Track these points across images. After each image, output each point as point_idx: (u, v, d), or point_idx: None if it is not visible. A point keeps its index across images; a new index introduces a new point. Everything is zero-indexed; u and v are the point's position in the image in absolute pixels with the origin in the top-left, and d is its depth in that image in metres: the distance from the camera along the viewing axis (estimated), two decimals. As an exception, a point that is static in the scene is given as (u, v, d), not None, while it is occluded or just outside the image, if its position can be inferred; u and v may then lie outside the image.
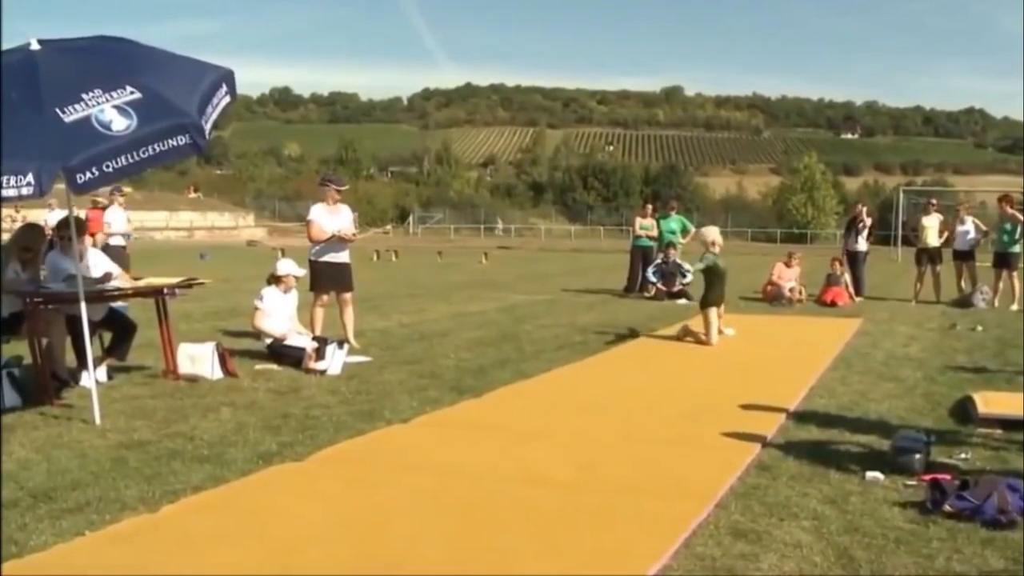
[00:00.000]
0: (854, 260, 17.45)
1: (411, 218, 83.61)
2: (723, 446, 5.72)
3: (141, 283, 8.00)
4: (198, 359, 7.82)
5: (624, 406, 6.98)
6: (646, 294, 16.90)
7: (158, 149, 5.66)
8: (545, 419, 6.49)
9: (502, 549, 3.92)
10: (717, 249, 10.53)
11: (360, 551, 3.90)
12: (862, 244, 17.55)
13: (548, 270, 27.63)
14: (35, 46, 6.05)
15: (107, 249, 14.08)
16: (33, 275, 7.24)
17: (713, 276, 10.44)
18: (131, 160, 5.56)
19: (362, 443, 5.73)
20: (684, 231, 17.94)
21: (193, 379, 7.65)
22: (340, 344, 8.49)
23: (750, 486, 4.88)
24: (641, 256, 17.36)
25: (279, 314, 8.90)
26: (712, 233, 10.72)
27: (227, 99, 6.23)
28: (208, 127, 5.97)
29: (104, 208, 15.13)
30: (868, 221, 17.61)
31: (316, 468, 5.16)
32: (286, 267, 9.16)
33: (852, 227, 17.77)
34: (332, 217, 9.69)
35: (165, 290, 8.05)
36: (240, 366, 8.17)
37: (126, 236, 15.04)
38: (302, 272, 9.26)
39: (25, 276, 7.16)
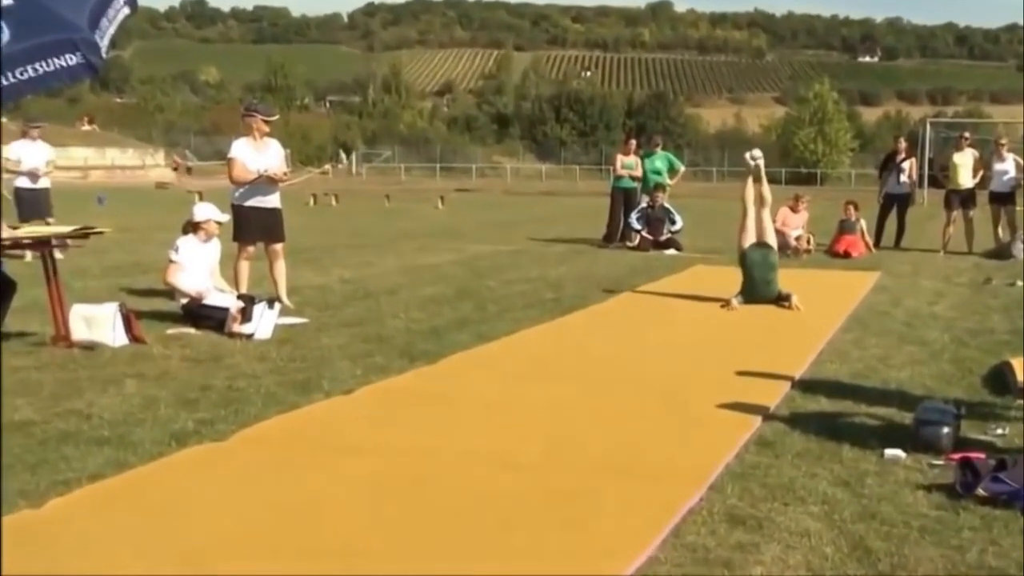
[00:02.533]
0: (897, 204, 17.56)
1: (354, 156, 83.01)
2: (718, 420, 5.76)
3: (20, 232, 7.83)
4: (96, 322, 7.71)
5: (603, 374, 7.01)
6: (629, 244, 16.96)
7: (40, 70, 5.40)
8: (510, 389, 6.51)
9: (459, 543, 3.90)
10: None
11: (292, 547, 3.84)
12: (904, 184, 17.66)
13: (514, 216, 27.58)
14: None
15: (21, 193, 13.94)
16: None
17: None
18: (3, 83, 5.29)
19: (296, 419, 5.71)
20: (672, 170, 17.96)
21: (90, 346, 7.56)
22: (270, 303, 8.46)
23: (749, 466, 4.91)
24: (623, 200, 17.40)
25: (197, 268, 8.82)
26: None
27: (126, 10, 6.03)
28: (105, 44, 5.79)
29: None
30: (905, 157, 17.64)
31: (240, 449, 5.12)
32: (205, 211, 9.06)
33: (891, 165, 17.85)
34: (259, 154, 9.61)
35: (54, 241, 7.90)
36: (148, 330, 8.10)
37: (36, 174, 14.38)
38: (225, 217, 9.18)
39: None
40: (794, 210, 16.76)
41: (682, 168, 18.56)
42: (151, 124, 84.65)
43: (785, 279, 10.56)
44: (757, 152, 10.92)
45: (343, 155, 75.70)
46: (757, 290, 10.26)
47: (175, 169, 62.07)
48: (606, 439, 5.34)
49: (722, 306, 10.06)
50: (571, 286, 11.78)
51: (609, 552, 3.80)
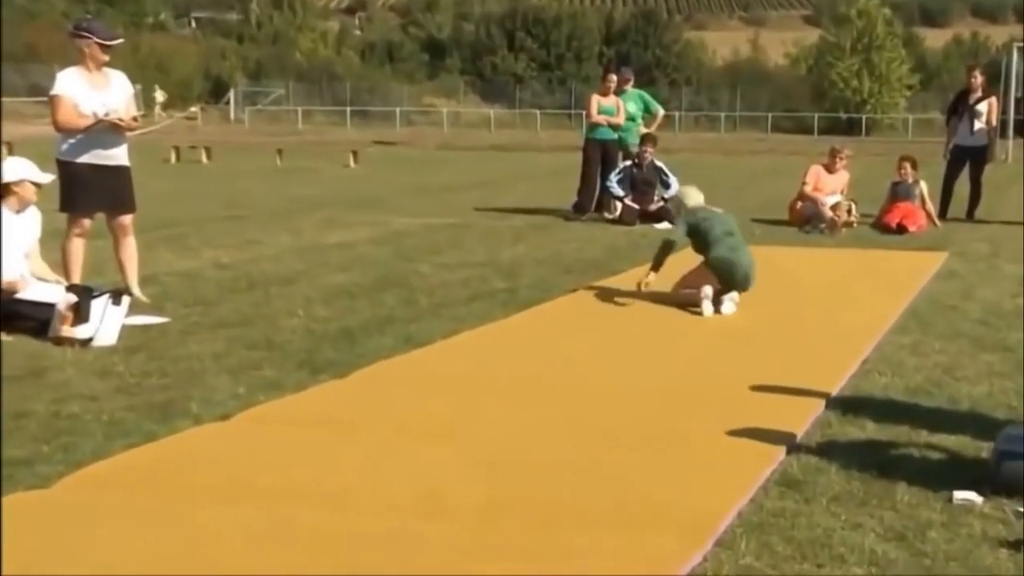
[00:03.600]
0: (971, 161, 17.67)
1: (231, 95, 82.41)
2: (728, 451, 5.79)
3: None
4: None
5: (572, 391, 7.02)
6: (608, 215, 17.03)
7: None
8: (448, 410, 6.53)
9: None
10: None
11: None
12: (980, 133, 17.73)
13: (454, 179, 27.50)
14: None
15: None
16: None
17: (703, 239, 10.28)
18: None
19: (151, 455, 5.67)
20: (647, 114, 18.04)
21: None
22: (115, 297, 8.39)
23: (770, 513, 4.95)
24: (600, 156, 17.44)
25: (7, 249, 8.71)
26: (689, 197, 10.58)
27: None
28: None
29: None
30: (982, 96, 17.73)
31: (71, 499, 5.08)
32: (17, 169, 8.91)
33: (962, 108, 17.91)
34: (96, 91, 9.53)
35: None
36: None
37: None
38: (48, 178, 9.08)
39: None
40: (830, 169, 16.82)
41: (661, 112, 18.65)
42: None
43: (817, 263, 10.61)
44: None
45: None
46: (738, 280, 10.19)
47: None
48: (576, 478, 5.34)
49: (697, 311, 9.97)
50: (530, 273, 11.78)
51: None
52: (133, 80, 10.32)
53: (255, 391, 6.90)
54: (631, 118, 17.63)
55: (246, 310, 9.55)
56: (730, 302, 9.80)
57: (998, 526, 4.84)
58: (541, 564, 4.35)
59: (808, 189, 16.58)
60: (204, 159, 32.54)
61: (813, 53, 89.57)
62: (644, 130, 17.69)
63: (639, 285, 10.00)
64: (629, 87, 18.07)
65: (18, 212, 8.87)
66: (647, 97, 18.41)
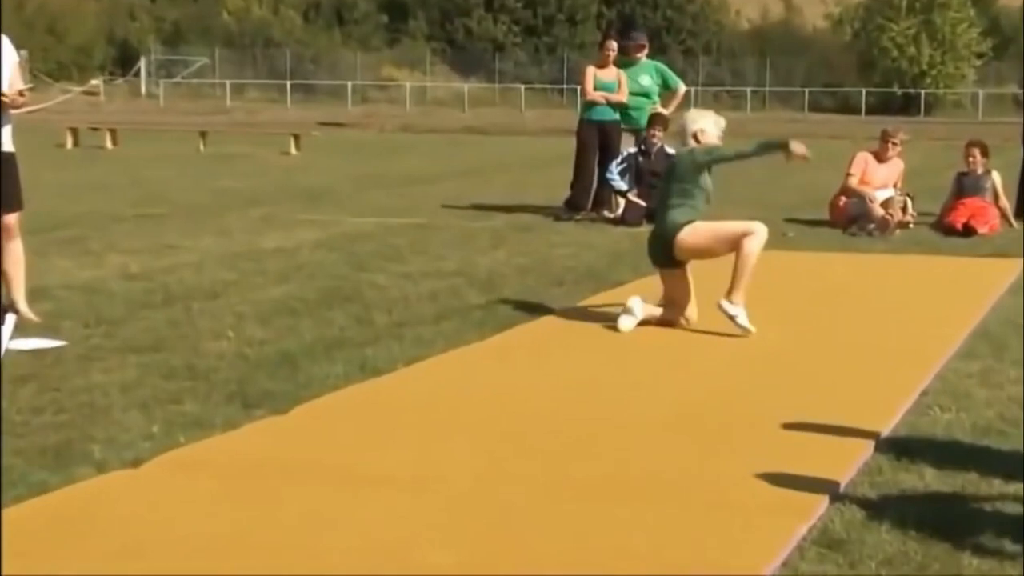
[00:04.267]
0: None
1: (142, 65, 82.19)
2: (757, 503, 5.78)
3: None
4: None
5: (562, 429, 7.06)
6: (607, 213, 17.05)
7: None
8: (410, 454, 6.52)
9: None
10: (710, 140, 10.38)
11: None
12: None
13: (418, 168, 27.53)
14: None
15: None
16: None
17: (703, 189, 10.27)
18: None
19: (44, 509, 5.64)
20: (666, 89, 18.04)
21: None
22: (-6, 314, 8.38)
23: (808, 580, 4.95)
24: (598, 141, 17.48)
25: None
26: (700, 121, 10.54)
27: None
28: None
29: None
30: None
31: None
32: None
33: None
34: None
35: None
36: None
37: None
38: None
39: None
40: (881, 158, 16.80)
41: (682, 88, 18.59)
42: None
43: (864, 272, 10.57)
44: None
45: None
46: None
47: None
48: (566, 538, 5.32)
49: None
50: (512, 284, 11.81)
51: None
52: (18, 45, 10.26)
53: (173, 430, 6.86)
54: (645, 94, 17.58)
55: (162, 330, 9.52)
56: (737, 311, 9.75)
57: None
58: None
59: (854, 182, 16.57)
60: (109, 143, 32.45)
61: (860, 14, 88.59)
62: (662, 108, 17.66)
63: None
64: (643, 57, 18.06)
65: None
66: (665, 70, 18.39)
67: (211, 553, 5.15)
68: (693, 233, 9.78)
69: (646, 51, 18.22)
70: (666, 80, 18.19)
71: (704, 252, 9.94)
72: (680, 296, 9.98)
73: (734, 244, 9.70)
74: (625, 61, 17.90)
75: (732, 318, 9.62)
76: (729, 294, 9.64)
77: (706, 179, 10.07)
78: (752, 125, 51.04)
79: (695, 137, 10.15)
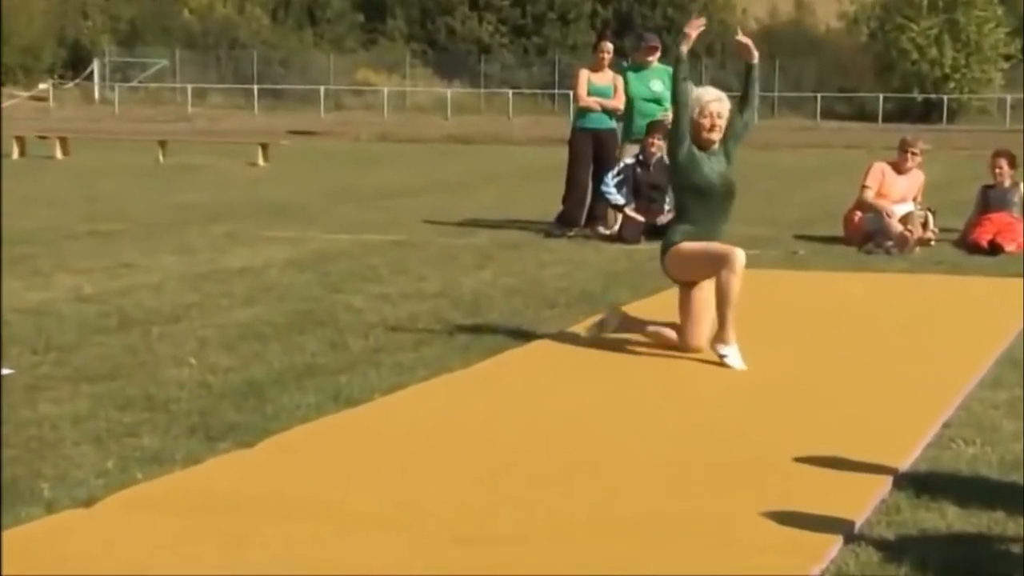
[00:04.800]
0: None
1: (95, 68, 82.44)
2: (766, 543, 5.72)
3: None
4: None
5: (554, 460, 7.06)
6: (603, 229, 17.07)
7: None
8: (389, 491, 6.48)
9: None
10: (714, 136, 10.27)
11: None
12: None
13: (397, 181, 27.88)
14: None
15: None
16: None
17: (697, 196, 10.18)
18: None
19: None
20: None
21: None
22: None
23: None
24: (592, 151, 17.54)
25: None
26: (706, 101, 10.41)
27: None
28: None
29: None
30: None
31: None
32: None
33: None
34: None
35: None
36: None
37: None
38: None
39: None
40: (899, 168, 16.81)
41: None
42: None
43: (882, 293, 10.50)
44: None
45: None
46: None
47: None
48: (560, 573, 5.35)
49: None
50: (499, 307, 11.81)
51: None
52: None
53: (130, 466, 6.77)
54: (657, 101, 17.42)
55: (118, 357, 9.46)
56: (733, 354, 9.63)
57: None
58: None
59: (870, 195, 16.60)
60: (59, 153, 32.78)
61: (877, 12, 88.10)
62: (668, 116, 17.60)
63: None
64: (655, 60, 17.98)
65: None
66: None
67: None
68: (674, 255, 9.85)
69: (658, 54, 18.16)
70: None
71: (684, 275, 9.94)
72: (683, 318, 9.92)
73: (711, 270, 9.67)
74: (637, 64, 18.01)
75: (722, 358, 9.55)
76: (718, 334, 9.60)
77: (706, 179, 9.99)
78: (759, 134, 51.13)
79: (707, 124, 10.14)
